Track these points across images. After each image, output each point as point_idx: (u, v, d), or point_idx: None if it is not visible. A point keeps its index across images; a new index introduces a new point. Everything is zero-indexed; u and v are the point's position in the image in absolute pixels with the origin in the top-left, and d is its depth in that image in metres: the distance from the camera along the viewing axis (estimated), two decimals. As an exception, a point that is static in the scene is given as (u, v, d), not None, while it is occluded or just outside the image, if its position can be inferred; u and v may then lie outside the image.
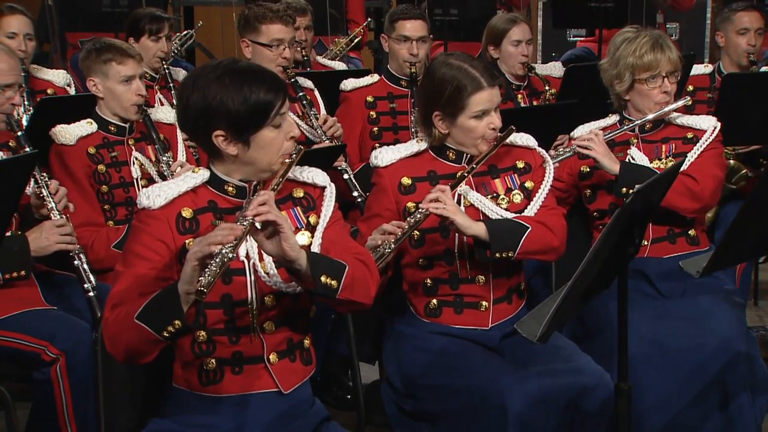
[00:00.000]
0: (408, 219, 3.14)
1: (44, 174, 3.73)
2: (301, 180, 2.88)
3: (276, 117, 2.67)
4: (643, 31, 3.91)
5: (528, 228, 3.22)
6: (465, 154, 3.32)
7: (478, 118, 3.22)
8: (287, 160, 2.72)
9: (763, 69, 5.30)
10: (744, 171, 4.83)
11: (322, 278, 2.65)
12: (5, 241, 3.57)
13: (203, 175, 2.77)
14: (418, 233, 3.26)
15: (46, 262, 3.83)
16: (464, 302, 3.32)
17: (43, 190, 3.68)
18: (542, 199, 3.34)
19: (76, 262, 3.70)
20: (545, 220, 3.29)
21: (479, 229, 3.18)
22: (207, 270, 2.44)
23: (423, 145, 3.36)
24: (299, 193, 2.88)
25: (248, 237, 2.60)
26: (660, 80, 3.84)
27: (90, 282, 3.67)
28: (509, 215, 3.28)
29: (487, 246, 3.18)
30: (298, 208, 2.86)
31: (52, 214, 3.67)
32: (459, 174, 3.24)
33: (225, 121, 2.64)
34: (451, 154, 3.33)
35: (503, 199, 3.33)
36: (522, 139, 3.39)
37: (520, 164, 3.39)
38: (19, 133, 3.78)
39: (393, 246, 3.08)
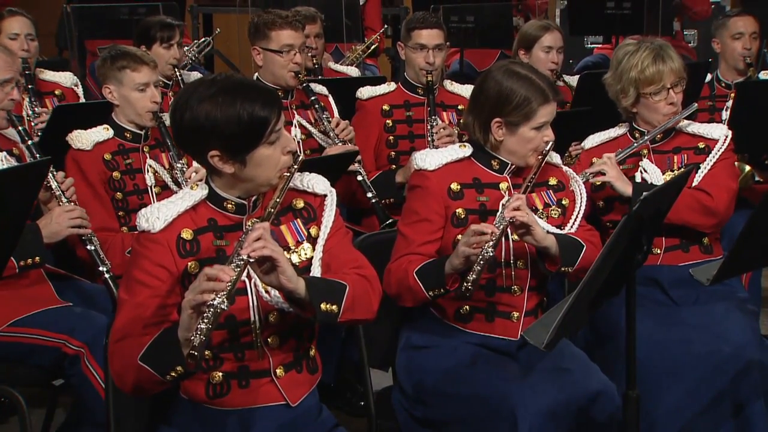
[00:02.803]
0: (495, 224, 3.08)
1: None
2: (301, 188, 2.85)
3: (271, 134, 2.63)
4: (644, 43, 3.85)
5: (584, 245, 3.25)
6: (509, 165, 3.32)
7: (538, 129, 3.23)
8: (286, 174, 2.69)
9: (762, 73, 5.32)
10: (749, 170, 4.80)
11: (322, 306, 2.63)
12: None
13: (202, 192, 2.74)
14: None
15: (64, 266, 3.86)
16: (497, 310, 3.31)
17: (50, 179, 3.68)
18: (581, 216, 3.36)
19: (89, 246, 3.73)
20: (590, 239, 3.31)
21: (551, 241, 3.18)
22: (197, 329, 2.39)
23: (467, 151, 3.34)
24: (299, 203, 2.85)
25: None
26: (665, 92, 3.79)
27: (104, 264, 3.71)
28: (553, 229, 3.29)
29: (549, 258, 3.21)
30: (299, 220, 2.83)
31: (60, 202, 3.70)
32: (524, 185, 3.24)
33: (219, 142, 2.60)
34: (495, 163, 3.32)
35: (542, 213, 3.33)
36: (553, 157, 3.40)
37: (553, 181, 3.40)
38: (30, 143, 3.77)
39: (492, 251, 3.01)
